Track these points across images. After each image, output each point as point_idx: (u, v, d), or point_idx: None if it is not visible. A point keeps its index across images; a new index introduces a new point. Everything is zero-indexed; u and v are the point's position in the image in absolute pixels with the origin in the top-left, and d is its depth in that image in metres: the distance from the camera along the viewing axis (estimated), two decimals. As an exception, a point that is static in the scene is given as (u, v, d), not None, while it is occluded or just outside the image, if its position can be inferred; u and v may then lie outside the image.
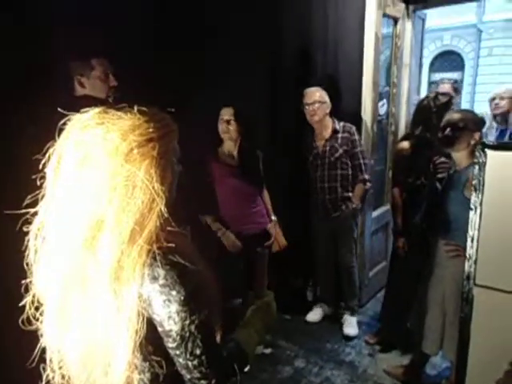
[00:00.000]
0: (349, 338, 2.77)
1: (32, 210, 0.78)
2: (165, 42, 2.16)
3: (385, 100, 3.13)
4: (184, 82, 2.27)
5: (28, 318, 0.78)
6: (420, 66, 3.62)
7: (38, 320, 0.78)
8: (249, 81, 2.77)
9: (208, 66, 2.39)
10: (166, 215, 0.78)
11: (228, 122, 2.25)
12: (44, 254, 0.78)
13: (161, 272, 0.75)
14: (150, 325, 0.77)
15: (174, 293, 0.75)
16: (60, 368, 0.81)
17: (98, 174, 0.75)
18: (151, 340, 0.78)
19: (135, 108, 0.80)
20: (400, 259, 2.47)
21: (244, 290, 1.45)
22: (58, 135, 0.77)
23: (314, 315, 3.00)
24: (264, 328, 1.02)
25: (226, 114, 2.26)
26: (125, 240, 0.74)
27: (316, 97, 2.58)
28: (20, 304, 0.77)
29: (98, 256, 0.74)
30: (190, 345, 0.77)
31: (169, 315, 0.75)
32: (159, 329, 0.77)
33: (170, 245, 0.77)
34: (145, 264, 0.75)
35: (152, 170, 0.77)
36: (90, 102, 1.61)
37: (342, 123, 2.67)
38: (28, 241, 0.78)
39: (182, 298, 0.75)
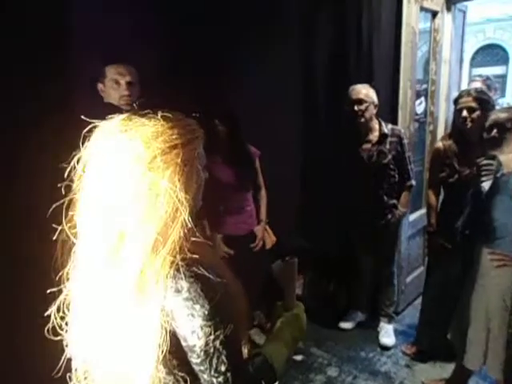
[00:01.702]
0: (385, 348, 2.65)
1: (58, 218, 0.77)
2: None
3: (423, 98, 2.98)
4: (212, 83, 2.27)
5: (54, 327, 0.77)
6: (461, 61, 3.43)
7: (63, 330, 0.78)
8: (281, 81, 2.74)
9: (240, 65, 2.38)
10: (190, 225, 0.76)
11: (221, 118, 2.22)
12: (71, 263, 0.77)
13: (184, 285, 0.72)
14: (175, 338, 0.74)
15: (197, 307, 0.71)
16: (85, 378, 0.80)
17: (121, 183, 0.73)
18: (176, 354, 0.75)
19: (159, 114, 0.78)
20: (438, 265, 2.34)
21: (266, 300, 1.40)
22: (83, 143, 0.76)
23: (348, 322, 2.90)
24: (293, 341, 0.97)
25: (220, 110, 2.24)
26: (148, 251, 0.72)
27: (362, 95, 2.39)
28: (46, 314, 0.77)
29: (121, 267, 0.73)
30: (214, 361, 0.73)
31: (192, 330, 0.72)
32: (183, 343, 0.74)
33: (194, 256, 0.74)
34: (168, 276, 0.72)
35: (176, 178, 0.75)
36: (112, 109, 1.63)
37: (389, 126, 2.51)
38: (56, 249, 0.78)
39: (206, 312, 0.72)
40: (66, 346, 0.78)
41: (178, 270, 0.72)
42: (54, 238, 0.75)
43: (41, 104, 1.22)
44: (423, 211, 3.16)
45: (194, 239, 0.77)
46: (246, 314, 0.88)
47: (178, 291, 0.72)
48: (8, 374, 1.17)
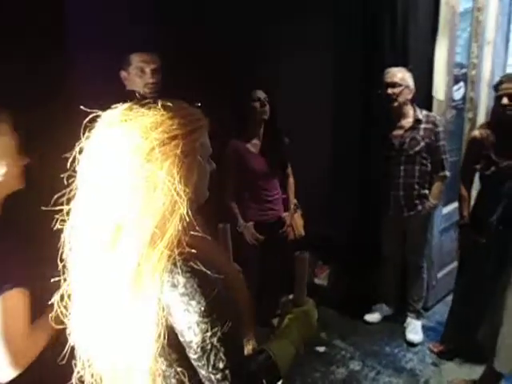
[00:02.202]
0: (412, 345, 2.57)
1: (62, 208, 0.77)
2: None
3: (462, 83, 2.79)
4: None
5: (58, 315, 0.78)
6: (507, 42, 3.17)
7: (66, 318, 0.79)
8: (312, 63, 2.65)
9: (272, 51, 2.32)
10: (189, 218, 0.73)
11: (263, 102, 2.18)
12: (72, 253, 0.78)
13: (181, 280, 0.70)
14: (173, 333, 0.73)
15: (193, 303, 0.70)
16: (89, 366, 0.80)
17: (119, 174, 0.72)
18: (175, 348, 0.74)
19: (159, 103, 0.75)
20: (470, 261, 2.21)
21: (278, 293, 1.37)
22: (85, 133, 0.76)
23: (374, 315, 2.83)
24: (301, 339, 0.94)
25: (261, 94, 2.19)
26: (145, 243, 0.71)
27: (397, 78, 2.31)
28: (49, 302, 0.78)
29: (118, 259, 0.72)
30: (212, 358, 0.72)
31: (188, 326, 0.70)
32: (180, 338, 0.73)
33: (192, 250, 0.72)
34: (165, 270, 0.70)
35: (175, 170, 0.72)
36: (134, 97, 1.62)
37: (424, 112, 2.40)
38: (63, 239, 0.78)
39: (203, 308, 0.70)
40: (69, 334, 0.79)
41: (175, 264, 0.70)
42: (55, 227, 0.75)
43: (42, 93, 1.23)
44: (458, 204, 3.00)
45: (193, 233, 0.74)
46: (249, 310, 0.86)
47: (174, 286, 0.70)
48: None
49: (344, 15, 2.69)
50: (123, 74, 1.75)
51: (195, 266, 0.71)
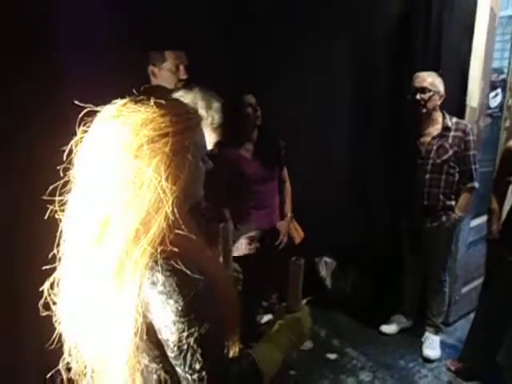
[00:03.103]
0: (428, 360, 2.47)
1: (58, 199, 0.79)
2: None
3: (499, 90, 2.64)
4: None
5: (47, 302, 0.81)
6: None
7: (55, 306, 0.81)
8: (340, 65, 2.59)
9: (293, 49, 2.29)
10: (175, 216, 0.73)
11: (255, 107, 2.12)
12: (65, 243, 0.80)
13: (160, 278, 0.70)
14: (153, 329, 0.73)
15: (171, 302, 0.70)
16: (75, 354, 0.82)
17: (108, 169, 0.73)
18: (156, 344, 0.75)
19: (151, 100, 0.75)
20: (495, 279, 2.09)
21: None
22: (79, 127, 0.77)
23: (391, 326, 2.74)
24: (290, 346, 0.92)
25: (251, 99, 2.13)
26: (129, 239, 0.71)
27: (427, 83, 2.22)
28: (40, 288, 0.80)
29: (104, 252, 0.73)
30: (188, 358, 0.71)
31: (165, 324, 0.71)
32: (159, 336, 0.73)
33: (174, 249, 0.72)
34: (146, 267, 0.71)
35: (162, 168, 0.72)
36: (161, 92, 1.63)
37: (454, 119, 2.29)
38: (60, 228, 0.80)
39: (180, 308, 0.70)
40: (57, 322, 0.81)
41: (156, 261, 0.71)
42: (46, 217, 0.77)
43: (37, 87, 1.26)
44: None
45: (179, 232, 0.74)
46: (235, 313, 0.85)
47: (153, 284, 0.70)
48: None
49: (378, 16, 2.62)
50: (153, 69, 1.79)
51: (176, 265, 0.70)
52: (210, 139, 1.52)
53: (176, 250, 0.72)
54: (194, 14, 1.99)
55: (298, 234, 2.33)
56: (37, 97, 1.26)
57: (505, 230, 2.12)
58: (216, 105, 1.52)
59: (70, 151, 0.77)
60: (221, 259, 1.13)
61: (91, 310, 0.76)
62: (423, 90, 2.22)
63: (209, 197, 2.16)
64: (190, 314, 0.70)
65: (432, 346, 2.52)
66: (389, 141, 2.50)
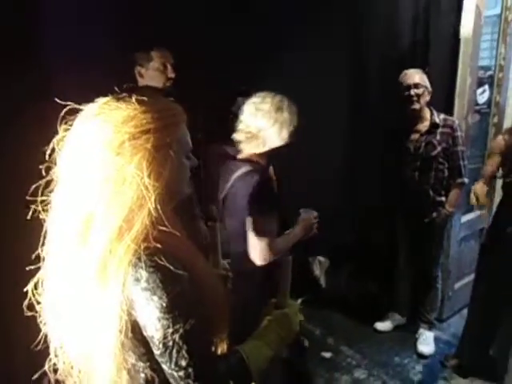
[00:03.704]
0: (423, 356, 2.47)
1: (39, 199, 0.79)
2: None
3: (486, 86, 2.67)
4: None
5: (32, 303, 0.80)
6: (540, 44, 3.01)
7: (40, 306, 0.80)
8: (328, 66, 2.60)
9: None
10: (158, 213, 0.73)
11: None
12: (49, 241, 0.79)
13: (143, 274, 0.70)
14: (138, 327, 0.73)
15: (155, 298, 0.69)
16: (62, 353, 0.82)
17: (90, 167, 0.73)
18: (142, 342, 0.74)
19: (133, 98, 0.75)
20: (486, 274, 2.10)
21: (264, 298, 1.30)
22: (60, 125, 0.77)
23: (385, 324, 2.74)
24: (279, 342, 0.92)
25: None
26: (112, 237, 0.71)
27: (418, 79, 2.24)
28: (24, 289, 0.79)
29: (87, 250, 0.73)
30: (174, 355, 0.71)
31: (149, 321, 0.70)
32: (144, 333, 0.72)
33: (157, 245, 0.72)
34: (130, 264, 0.70)
35: (144, 165, 0.72)
36: (149, 93, 1.63)
37: (442, 115, 2.31)
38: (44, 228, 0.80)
39: (164, 304, 0.69)
40: (42, 322, 0.80)
41: (139, 258, 0.70)
42: (29, 217, 0.77)
43: (21, 87, 1.26)
44: (480, 212, 2.87)
45: (162, 228, 0.74)
46: (223, 310, 0.85)
47: (137, 280, 0.70)
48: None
49: (363, 14, 2.63)
50: (140, 70, 1.79)
51: (159, 261, 0.70)
52: (276, 139, 1.49)
53: (159, 246, 0.72)
54: (185, 13, 1.99)
55: None
56: (22, 96, 1.25)
57: (494, 224, 2.14)
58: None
59: (53, 150, 0.77)
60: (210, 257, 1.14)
61: (76, 309, 0.75)
62: (416, 85, 2.23)
63: (198, 195, 2.15)
64: (174, 310, 0.70)
65: (426, 341, 2.53)
66: (379, 139, 2.50)
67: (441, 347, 2.55)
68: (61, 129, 0.77)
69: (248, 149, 1.53)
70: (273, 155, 1.53)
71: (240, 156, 1.58)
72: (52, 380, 0.82)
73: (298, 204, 2.34)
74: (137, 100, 0.75)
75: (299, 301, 2.88)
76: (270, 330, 0.92)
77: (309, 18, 2.35)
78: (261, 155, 1.53)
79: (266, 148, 1.50)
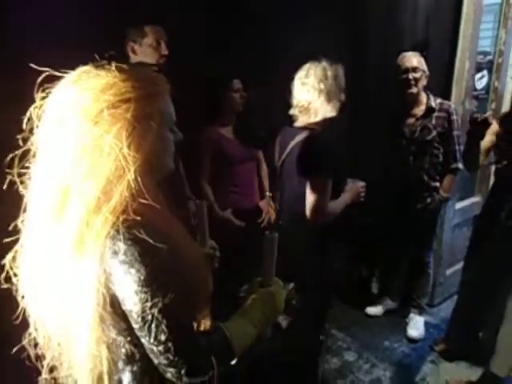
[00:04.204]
0: (412, 341, 2.50)
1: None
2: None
3: (485, 72, 2.63)
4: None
5: (10, 276, 0.78)
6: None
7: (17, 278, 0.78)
8: (326, 47, 2.53)
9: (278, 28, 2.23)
10: (138, 185, 0.71)
11: (242, 94, 2.14)
12: (27, 214, 0.77)
13: (121, 247, 0.68)
14: (118, 301, 0.72)
15: (132, 271, 0.68)
16: (41, 327, 0.80)
17: (68, 137, 0.71)
18: (122, 316, 0.73)
19: (113, 65, 0.73)
20: (476, 258, 2.10)
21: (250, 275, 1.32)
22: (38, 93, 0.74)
23: (376, 308, 2.76)
24: (264, 321, 0.91)
25: (239, 84, 2.14)
26: (90, 208, 0.69)
27: (416, 62, 2.21)
28: (2, 262, 0.78)
29: (64, 223, 0.71)
30: (153, 329, 0.70)
31: (128, 294, 0.69)
32: (122, 307, 0.71)
33: (137, 218, 0.70)
34: (108, 236, 0.69)
35: (124, 135, 0.70)
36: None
37: (438, 100, 2.28)
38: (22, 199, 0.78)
39: (142, 277, 0.68)
40: (19, 295, 0.79)
41: (117, 231, 0.69)
42: (5, 187, 0.75)
43: None
44: (474, 199, 2.88)
45: (142, 201, 0.72)
46: (205, 285, 0.84)
47: (115, 253, 0.68)
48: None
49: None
50: (133, 46, 1.75)
51: (138, 234, 0.69)
52: (326, 109, 1.59)
53: (139, 219, 0.70)
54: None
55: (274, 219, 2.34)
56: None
57: (485, 208, 2.13)
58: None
59: (30, 119, 0.74)
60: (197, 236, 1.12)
61: (54, 282, 0.74)
62: (415, 69, 2.20)
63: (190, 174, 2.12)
64: (152, 283, 0.69)
65: (416, 326, 2.55)
66: (377, 123, 2.47)
67: (431, 332, 2.57)
68: (38, 97, 0.74)
69: (304, 120, 1.62)
70: (328, 123, 1.61)
71: (297, 124, 1.66)
72: (32, 355, 0.82)
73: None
74: (117, 68, 0.73)
75: (291, 285, 2.86)
76: (255, 309, 0.91)
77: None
78: (317, 123, 1.60)
79: (320, 118, 1.58)
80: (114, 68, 0.72)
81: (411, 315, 2.61)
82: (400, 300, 2.77)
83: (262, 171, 2.37)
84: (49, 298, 0.76)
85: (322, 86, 1.54)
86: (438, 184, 2.34)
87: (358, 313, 2.75)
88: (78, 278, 0.70)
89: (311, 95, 1.55)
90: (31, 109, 0.74)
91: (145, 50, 1.73)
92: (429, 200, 2.35)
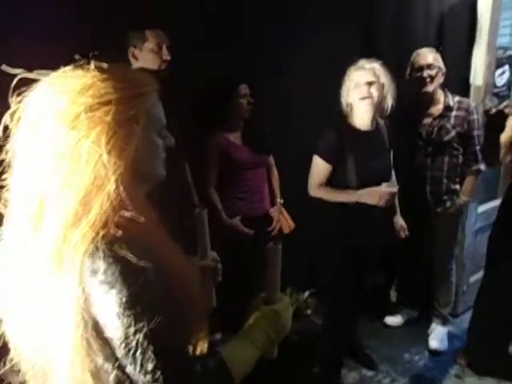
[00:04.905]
0: (435, 353, 2.36)
1: None
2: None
3: (506, 67, 2.50)
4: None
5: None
6: None
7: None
8: (337, 45, 2.45)
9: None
10: (121, 196, 0.64)
11: (249, 100, 2.06)
12: (4, 225, 0.71)
13: (101, 265, 0.61)
14: (99, 324, 0.64)
15: (113, 292, 0.61)
16: (22, 352, 0.74)
17: (43, 143, 0.64)
18: (107, 340, 0.66)
19: (92, 64, 0.66)
20: (499, 263, 1.97)
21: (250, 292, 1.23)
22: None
23: (396, 318, 2.63)
24: (267, 342, 0.82)
25: (246, 89, 2.06)
26: (67, 222, 0.62)
27: (432, 59, 2.11)
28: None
29: (41, 237, 0.64)
30: (138, 357, 0.62)
31: (109, 318, 0.62)
32: (104, 332, 0.64)
33: (119, 233, 0.63)
34: (86, 253, 0.62)
35: (103, 140, 0.63)
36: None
37: (457, 98, 2.18)
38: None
39: (124, 299, 0.60)
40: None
41: (97, 247, 0.62)
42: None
43: None
44: (497, 202, 2.71)
45: (126, 214, 0.65)
46: (200, 304, 0.76)
47: (94, 272, 0.61)
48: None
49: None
50: (134, 51, 1.71)
51: (120, 251, 0.61)
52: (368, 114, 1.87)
53: (121, 233, 0.63)
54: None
55: (288, 224, 2.25)
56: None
57: (502, 217, 2.00)
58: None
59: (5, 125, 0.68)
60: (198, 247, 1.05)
61: (32, 302, 0.67)
62: (430, 66, 2.10)
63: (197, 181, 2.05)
64: (136, 306, 0.61)
65: (439, 337, 2.42)
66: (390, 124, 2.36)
67: (454, 343, 2.43)
68: (13, 101, 0.68)
69: None
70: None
71: None
72: (14, 382, 0.75)
73: (295, 194, 2.25)
74: (96, 67, 0.66)
75: (307, 293, 2.74)
76: (257, 328, 0.82)
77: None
78: None
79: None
80: (93, 68, 0.66)
81: (433, 325, 2.48)
82: (421, 309, 2.63)
83: (273, 177, 2.29)
84: (27, 320, 0.69)
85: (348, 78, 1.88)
86: (458, 187, 2.22)
87: (376, 323, 2.62)
88: (57, 298, 0.64)
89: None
90: (7, 114, 0.69)
91: (146, 56, 1.68)
92: (448, 204, 2.23)
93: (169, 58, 1.71)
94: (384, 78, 1.83)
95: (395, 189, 1.82)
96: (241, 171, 2.10)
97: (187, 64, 1.86)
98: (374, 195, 1.78)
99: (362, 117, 1.87)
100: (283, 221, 2.23)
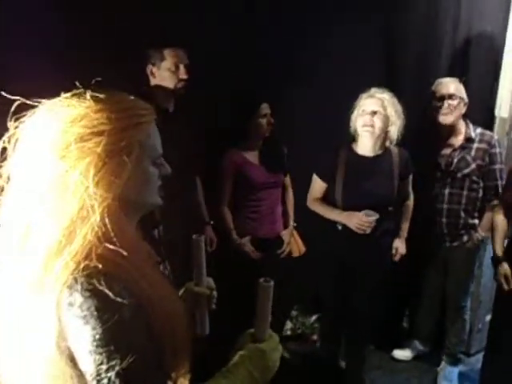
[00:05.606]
0: (444, 395, 2.25)
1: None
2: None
3: (535, 99, 2.40)
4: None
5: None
6: None
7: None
8: (358, 72, 2.43)
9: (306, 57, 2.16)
10: (105, 227, 0.64)
11: (269, 120, 2.05)
12: None
13: (78, 298, 0.60)
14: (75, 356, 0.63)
15: (87, 328, 0.59)
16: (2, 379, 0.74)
17: (33, 169, 0.65)
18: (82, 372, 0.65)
19: (87, 94, 0.66)
20: (505, 306, 1.86)
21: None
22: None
23: (404, 352, 2.53)
24: (251, 382, 0.79)
25: (267, 110, 2.05)
26: (50, 251, 0.62)
27: (454, 89, 2.07)
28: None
29: (23, 265, 0.64)
30: None
31: (82, 353, 0.60)
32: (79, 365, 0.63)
33: (99, 265, 0.62)
34: (65, 284, 0.61)
35: (92, 171, 0.63)
36: (161, 93, 1.58)
37: (479, 129, 2.12)
38: None
39: (98, 336, 0.59)
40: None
41: (76, 279, 0.61)
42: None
43: None
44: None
45: (109, 246, 0.64)
46: (183, 340, 0.73)
47: (70, 305, 0.60)
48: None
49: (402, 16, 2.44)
50: (152, 68, 1.74)
51: (98, 285, 0.60)
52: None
53: (103, 266, 0.62)
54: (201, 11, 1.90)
55: (298, 247, 2.21)
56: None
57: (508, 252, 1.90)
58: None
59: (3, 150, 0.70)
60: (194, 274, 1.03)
61: (13, 331, 0.67)
62: (451, 96, 2.06)
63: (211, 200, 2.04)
64: (109, 344, 0.60)
65: (449, 377, 2.31)
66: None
67: (465, 385, 2.31)
68: (11, 126, 0.69)
69: None
70: None
71: None
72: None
73: (306, 217, 2.21)
74: (92, 97, 0.66)
75: (313, 317, 2.68)
76: (241, 368, 0.79)
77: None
78: None
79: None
80: (88, 97, 0.66)
81: (443, 364, 2.37)
82: (432, 344, 2.52)
83: (288, 198, 2.25)
84: (7, 344, 0.69)
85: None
86: (476, 221, 2.14)
87: (384, 355, 2.52)
88: (36, 326, 0.63)
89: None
90: (5, 138, 0.70)
91: (162, 74, 1.71)
92: (465, 238, 2.15)
93: (185, 77, 1.74)
94: (391, 109, 1.86)
95: (373, 218, 1.87)
96: (254, 191, 2.08)
97: (208, 80, 1.88)
98: (352, 219, 1.89)
99: (363, 143, 1.95)
100: (294, 244, 2.19)
